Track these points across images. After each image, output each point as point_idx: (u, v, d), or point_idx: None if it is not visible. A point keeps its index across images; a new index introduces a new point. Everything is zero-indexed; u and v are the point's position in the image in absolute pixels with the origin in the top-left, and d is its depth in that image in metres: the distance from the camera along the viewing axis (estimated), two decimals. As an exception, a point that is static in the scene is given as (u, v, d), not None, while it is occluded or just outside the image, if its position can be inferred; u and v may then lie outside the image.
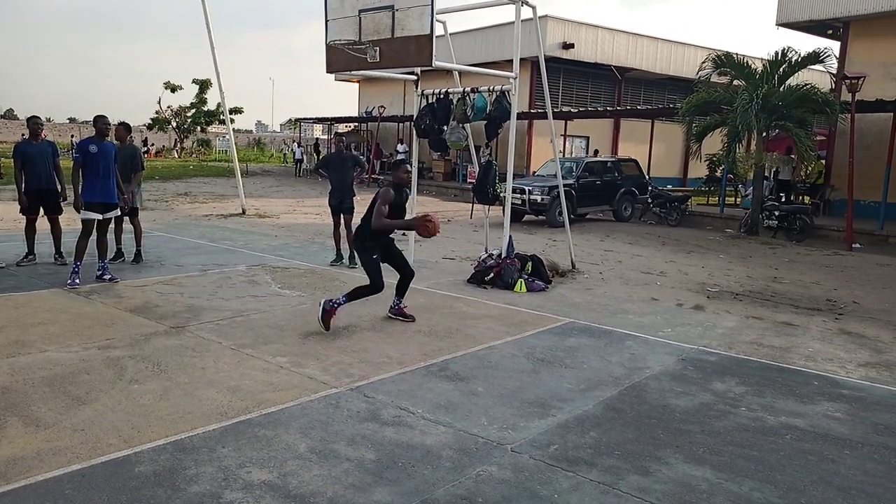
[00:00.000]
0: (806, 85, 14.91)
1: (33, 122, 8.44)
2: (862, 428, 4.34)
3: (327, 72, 8.50)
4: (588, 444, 3.94)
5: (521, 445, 3.88)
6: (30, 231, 8.50)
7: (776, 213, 15.16)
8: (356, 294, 6.20)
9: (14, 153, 8.35)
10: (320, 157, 31.52)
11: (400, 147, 29.56)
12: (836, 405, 4.74)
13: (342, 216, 9.25)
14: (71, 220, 8.98)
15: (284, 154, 46.42)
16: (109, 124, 7.88)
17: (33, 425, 3.88)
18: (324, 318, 5.97)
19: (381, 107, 29.64)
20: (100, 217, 7.62)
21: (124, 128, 9.04)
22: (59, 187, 8.40)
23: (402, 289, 6.59)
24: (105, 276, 7.69)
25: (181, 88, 45.68)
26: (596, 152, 23.57)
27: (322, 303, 6.05)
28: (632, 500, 3.33)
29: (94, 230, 7.60)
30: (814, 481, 3.60)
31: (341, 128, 38.17)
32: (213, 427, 3.94)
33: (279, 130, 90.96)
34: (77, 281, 7.37)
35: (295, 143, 38.72)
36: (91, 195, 7.50)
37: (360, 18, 7.71)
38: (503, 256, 8.56)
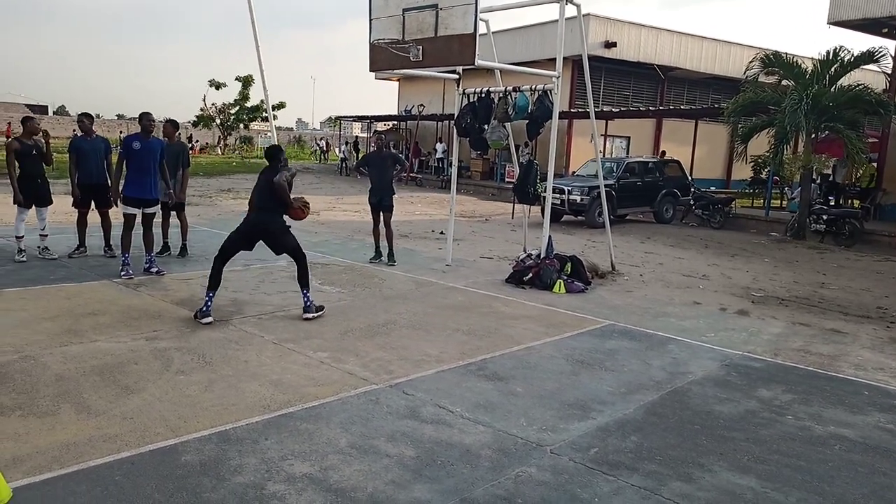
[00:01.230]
0: (858, 85, 14.45)
1: (81, 119, 8.71)
2: (916, 441, 4.20)
3: (370, 70, 8.57)
4: (629, 448, 3.89)
5: (561, 447, 3.86)
6: (81, 224, 8.77)
7: (824, 216, 14.73)
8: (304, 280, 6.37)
9: (69, 148, 8.64)
10: (359, 155, 31.86)
11: (439, 146, 29.64)
12: (888, 416, 4.58)
13: (381, 214, 9.32)
14: (121, 214, 9.24)
15: (315, 151, 47.29)
16: (154, 121, 8.11)
17: (85, 412, 4.01)
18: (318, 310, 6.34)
19: (421, 105, 29.74)
20: (140, 211, 7.79)
21: (171, 125, 9.26)
22: (109, 182, 8.66)
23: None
24: (152, 269, 7.89)
25: (225, 86, 46.60)
26: (663, 153, 22.88)
27: (308, 304, 6.29)
28: (674, 506, 3.28)
29: (140, 224, 7.80)
30: (864, 494, 3.49)
31: (380, 126, 38.45)
32: (256, 419, 4.01)
33: (319, 128, 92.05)
34: (130, 272, 7.60)
35: (343, 142, 39.28)
36: (130, 191, 7.69)
37: (403, 17, 7.75)
38: (542, 257, 8.51)
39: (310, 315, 6.28)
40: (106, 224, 8.81)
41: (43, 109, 72.68)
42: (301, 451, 3.64)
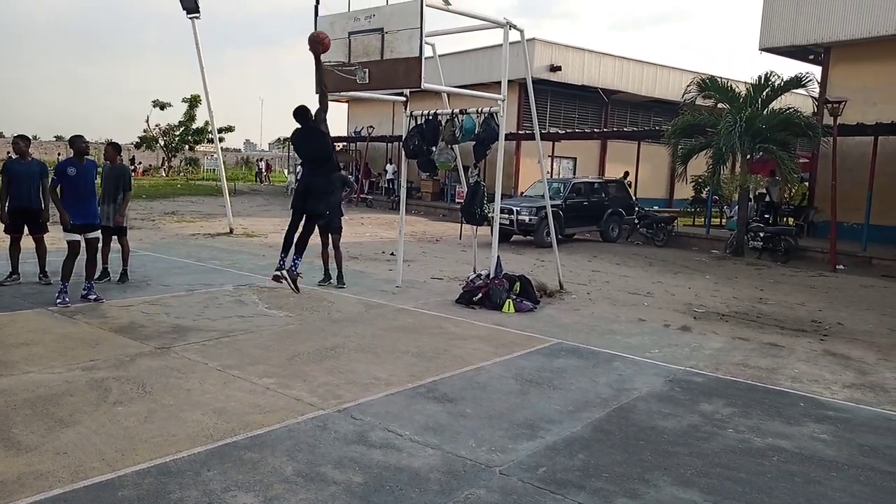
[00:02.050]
0: (789, 109, 15.17)
1: (17, 141, 8.40)
2: (848, 449, 4.37)
3: (316, 92, 8.53)
4: (576, 466, 3.93)
5: (510, 468, 3.87)
6: (13, 250, 8.41)
7: (761, 234, 15.33)
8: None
9: (1, 171, 8.30)
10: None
11: (389, 167, 29.67)
12: (822, 426, 4.76)
13: (329, 236, 9.24)
14: (56, 238, 8.90)
15: (258, 172, 46.79)
16: (88, 143, 7.82)
17: (14, 448, 3.82)
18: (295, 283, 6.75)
19: (370, 127, 29.76)
20: (82, 237, 7.54)
21: (113, 148, 9.02)
22: (42, 206, 8.33)
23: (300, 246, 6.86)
24: (90, 296, 7.62)
25: (170, 106, 45.63)
26: (626, 174, 23.45)
27: (284, 271, 6.66)
28: (620, 523, 3.32)
29: (84, 250, 7.55)
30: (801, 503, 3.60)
31: (330, 147, 38.17)
32: (198, 450, 3.89)
33: (267, 149, 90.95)
34: (67, 300, 7.32)
35: (295, 164, 38.75)
36: (71, 217, 7.41)
37: (349, 40, 7.79)
38: (491, 276, 8.58)
39: (286, 277, 6.69)
40: (40, 250, 8.47)
41: (-26, 131, 69.63)
42: (245, 482, 3.54)
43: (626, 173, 23.75)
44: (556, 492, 3.60)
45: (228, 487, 3.47)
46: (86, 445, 3.89)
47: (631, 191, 20.09)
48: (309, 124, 6.56)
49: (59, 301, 7.28)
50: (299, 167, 36.36)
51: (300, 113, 6.59)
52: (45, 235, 8.49)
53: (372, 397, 4.91)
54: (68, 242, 7.46)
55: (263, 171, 46.01)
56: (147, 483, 3.48)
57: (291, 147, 7.27)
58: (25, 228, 8.36)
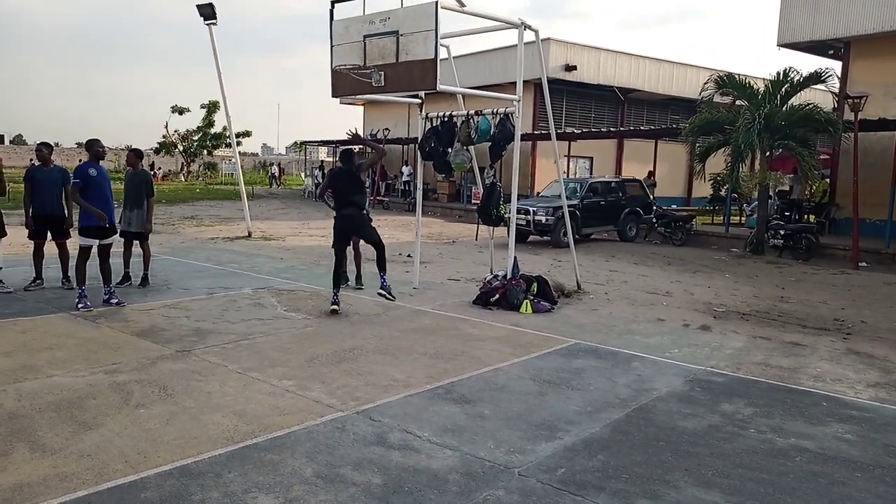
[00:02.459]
0: (808, 104, 14.98)
1: (40, 149, 8.54)
2: (872, 450, 4.30)
3: (333, 96, 8.59)
4: (596, 467, 3.91)
5: (529, 469, 3.86)
6: (37, 256, 8.55)
7: (781, 232, 15.14)
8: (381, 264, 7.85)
9: (25, 178, 8.45)
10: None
11: (405, 169, 29.74)
12: (845, 426, 4.69)
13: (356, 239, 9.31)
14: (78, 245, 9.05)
15: (271, 176, 46.96)
16: (104, 147, 7.95)
17: (39, 451, 3.88)
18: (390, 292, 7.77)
19: (386, 129, 29.87)
20: (97, 243, 7.62)
21: (135, 154, 9.15)
22: (66, 213, 8.46)
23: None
24: (112, 301, 7.72)
25: (189, 111, 46.18)
26: (650, 174, 23.53)
27: (379, 290, 7.76)
28: (641, 524, 3.30)
29: (97, 255, 7.63)
30: (825, 504, 3.56)
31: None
32: (219, 452, 3.93)
33: (284, 153, 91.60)
34: (88, 304, 7.43)
35: (317, 167, 38.70)
36: (90, 220, 7.52)
37: (364, 44, 7.81)
38: (508, 277, 8.56)
39: (384, 293, 7.70)
40: (63, 255, 8.60)
41: (-2, 138, 70.93)
42: (265, 483, 3.57)
43: (650, 173, 23.63)
44: (575, 493, 3.58)
45: (249, 489, 3.50)
46: (109, 447, 3.94)
47: (655, 190, 20.00)
48: (351, 168, 7.93)
49: (80, 305, 7.39)
50: (316, 170, 36.49)
51: (346, 155, 8.12)
52: (67, 241, 8.61)
53: (390, 399, 4.93)
54: (81, 247, 7.57)
55: (276, 175, 46.34)
56: (169, 485, 3.52)
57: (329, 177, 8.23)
58: (48, 234, 8.49)
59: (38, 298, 8.01)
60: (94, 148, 7.74)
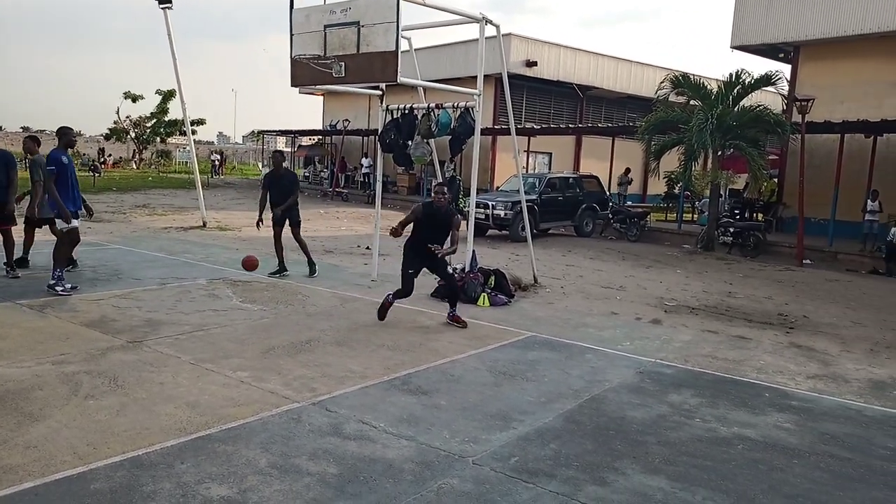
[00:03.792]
0: (759, 106, 15.47)
1: None
2: (809, 438, 4.51)
3: (292, 85, 8.52)
4: (548, 455, 4.00)
5: (483, 458, 3.92)
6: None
7: (731, 229, 15.62)
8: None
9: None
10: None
11: (365, 161, 29.55)
12: (785, 416, 4.91)
13: (291, 230, 9.40)
14: (22, 231, 8.78)
15: (212, 166, 45.47)
16: (76, 136, 7.97)
17: (-17, 443, 3.77)
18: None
19: (346, 120, 29.61)
20: (78, 224, 7.75)
21: (31, 140, 8.86)
22: (7, 198, 8.15)
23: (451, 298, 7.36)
24: (59, 287, 7.52)
25: (142, 98, 44.77)
26: (628, 170, 23.91)
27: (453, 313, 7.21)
28: (590, 510, 3.40)
29: (56, 238, 7.69)
30: (764, 490, 3.72)
31: (305, 141, 37.95)
32: (171, 443, 3.88)
33: (241, 142, 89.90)
34: (68, 285, 7.55)
35: (265, 160, 38.05)
36: (70, 205, 7.64)
37: (325, 34, 7.75)
38: (466, 271, 8.63)
39: (456, 320, 7.12)
40: (8, 243, 8.31)
41: (-62, 121, 67.69)
42: (219, 474, 3.55)
43: (628, 169, 24.11)
44: (527, 480, 3.66)
45: (202, 479, 3.48)
46: (56, 439, 3.86)
47: (630, 187, 20.26)
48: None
49: (61, 290, 7.44)
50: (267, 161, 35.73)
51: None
52: (11, 228, 8.32)
53: (347, 390, 4.94)
54: (71, 230, 7.63)
55: (218, 164, 44.25)
56: (119, 476, 3.47)
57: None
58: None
59: (-20, 287, 7.73)
60: (68, 136, 7.83)
